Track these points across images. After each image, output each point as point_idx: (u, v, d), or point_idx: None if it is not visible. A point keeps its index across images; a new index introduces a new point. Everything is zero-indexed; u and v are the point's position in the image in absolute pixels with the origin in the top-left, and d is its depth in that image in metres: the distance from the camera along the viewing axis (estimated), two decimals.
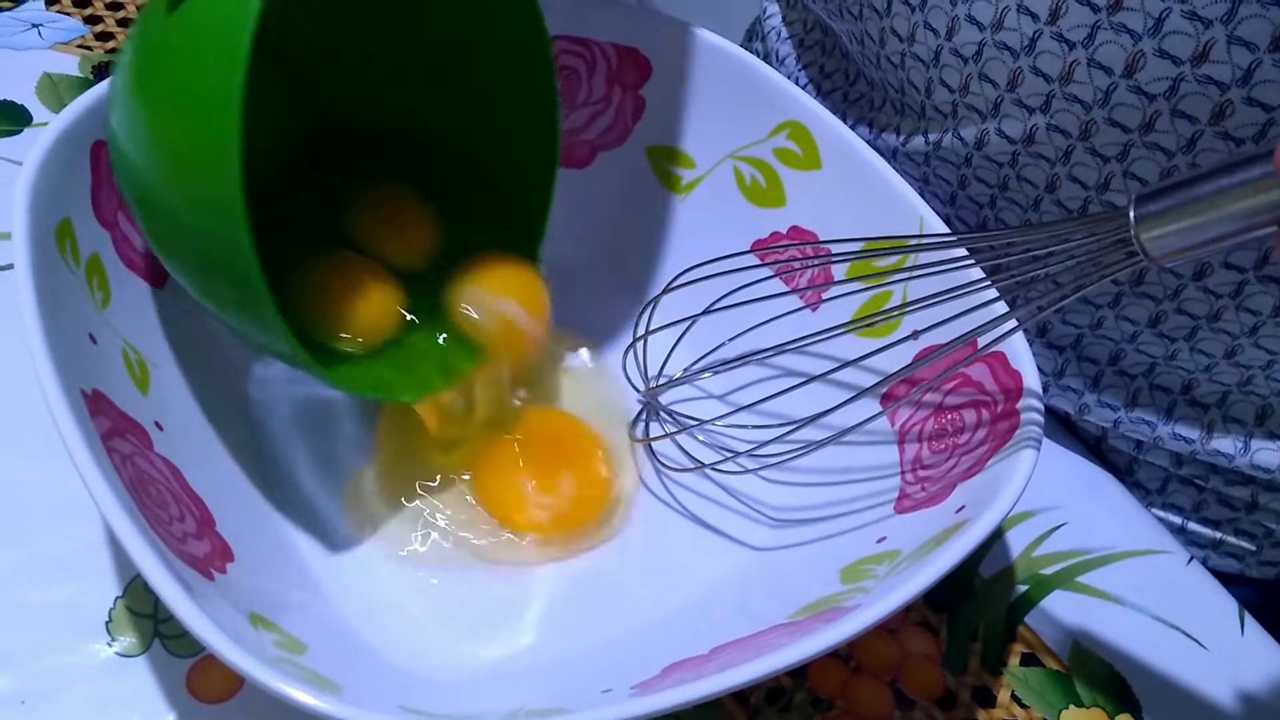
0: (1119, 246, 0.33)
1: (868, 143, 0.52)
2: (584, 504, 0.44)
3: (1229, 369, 0.47)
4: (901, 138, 0.52)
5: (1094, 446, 0.55)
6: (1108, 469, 0.54)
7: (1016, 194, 0.48)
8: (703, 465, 0.46)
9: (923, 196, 0.45)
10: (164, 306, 0.41)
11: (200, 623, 0.28)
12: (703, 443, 0.47)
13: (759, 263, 0.48)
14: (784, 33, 0.64)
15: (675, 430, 0.47)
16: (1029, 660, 0.45)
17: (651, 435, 0.47)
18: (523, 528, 0.43)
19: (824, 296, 0.47)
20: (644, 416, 0.48)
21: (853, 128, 0.55)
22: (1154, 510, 0.54)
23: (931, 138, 0.50)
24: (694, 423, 0.46)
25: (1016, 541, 0.48)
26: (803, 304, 0.48)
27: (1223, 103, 0.40)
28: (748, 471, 0.45)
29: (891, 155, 0.53)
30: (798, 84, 0.59)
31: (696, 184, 0.51)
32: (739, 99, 0.49)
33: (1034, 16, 0.43)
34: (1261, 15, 0.37)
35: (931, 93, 0.49)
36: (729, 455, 0.45)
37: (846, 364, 0.42)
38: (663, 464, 0.46)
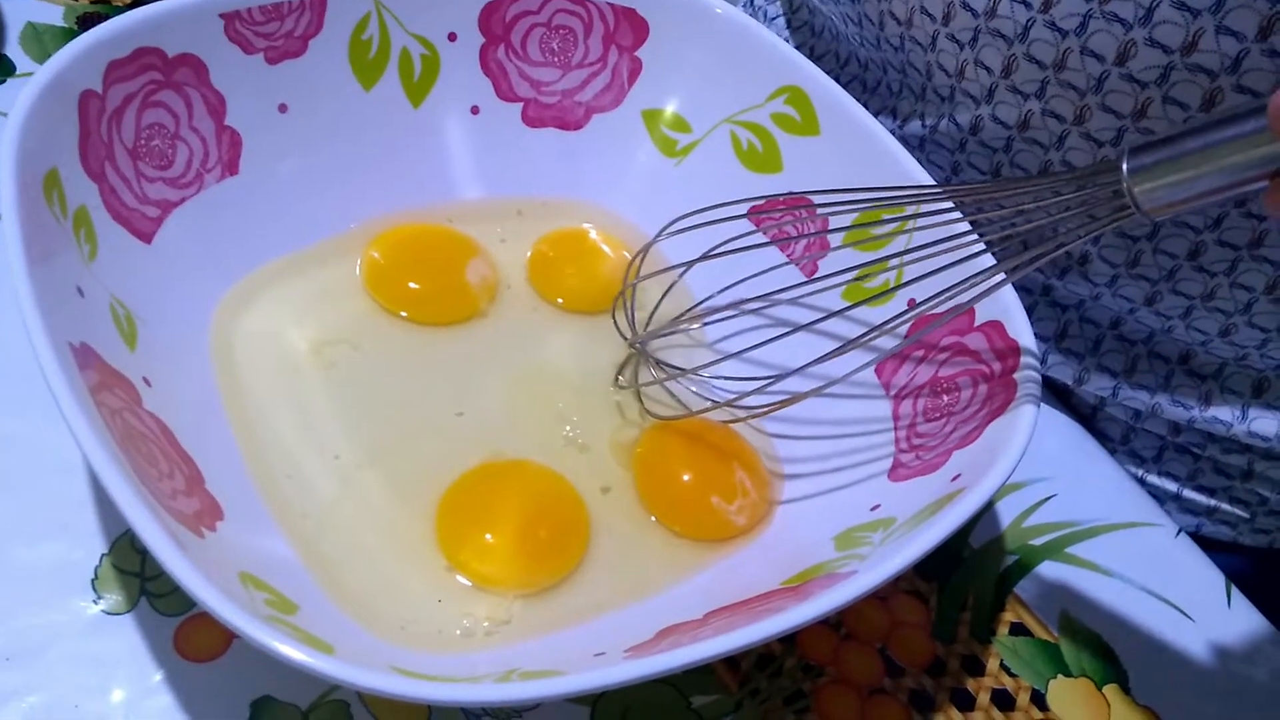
0: (1112, 199, 0.33)
1: None
2: (558, 553, 0.41)
3: (1224, 346, 0.47)
4: (897, 121, 0.52)
5: (1089, 415, 0.55)
6: (1102, 439, 0.54)
7: None
8: (690, 413, 0.45)
9: None
10: (152, 261, 0.41)
11: (194, 579, 0.28)
12: (693, 391, 0.47)
13: (752, 224, 0.48)
14: (770, 12, 0.63)
15: (664, 378, 0.46)
16: (1018, 630, 0.45)
17: (639, 383, 0.47)
18: (488, 582, 0.39)
19: (819, 263, 0.47)
20: (632, 364, 0.47)
21: None
22: (1149, 478, 0.54)
23: (928, 121, 0.50)
24: (679, 371, 0.45)
25: (1006, 512, 0.49)
26: (798, 271, 0.47)
27: (1213, 90, 0.40)
28: (736, 421, 0.45)
29: None
30: None
31: (692, 148, 0.51)
32: (738, 63, 0.48)
33: (1027, 5, 0.43)
34: (1249, 6, 0.38)
35: (931, 75, 0.49)
36: (716, 404, 0.45)
37: (834, 313, 0.42)
38: (650, 412, 0.46)
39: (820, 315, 0.43)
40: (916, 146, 0.52)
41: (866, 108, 0.54)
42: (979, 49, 0.46)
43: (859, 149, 0.46)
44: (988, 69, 0.46)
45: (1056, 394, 0.56)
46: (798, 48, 0.61)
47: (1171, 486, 0.54)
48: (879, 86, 0.54)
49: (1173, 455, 0.54)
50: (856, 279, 0.45)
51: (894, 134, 0.52)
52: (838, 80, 0.57)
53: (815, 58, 0.60)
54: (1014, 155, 0.48)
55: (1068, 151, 0.46)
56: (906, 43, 0.49)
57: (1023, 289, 0.53)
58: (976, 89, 0.47)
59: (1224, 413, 0.49)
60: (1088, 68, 0.42)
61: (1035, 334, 0.53)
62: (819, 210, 0.46)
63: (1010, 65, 0.45)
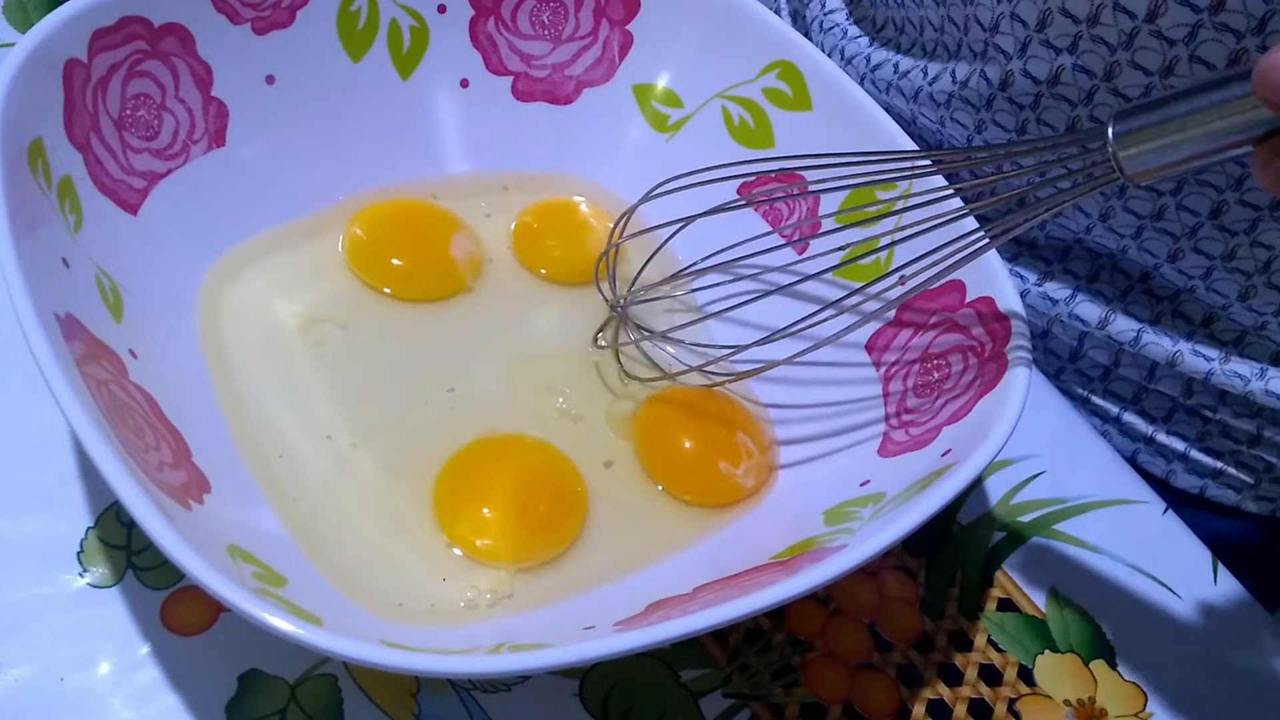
0: (1097, 164, 0.33)
1: (891, 84, 0.52)
2: (555, 528, 0.41)
3: (1244, 312, 0.48)
4: (928, 78, 0.52)
5: (1100, 376, 0.55)
6: (1112, 399, 0.54)
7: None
8: (668, 375, 0.45)
9: (940, 136, 0.44)
10: (138, 233, 0.40)
11: (182, 551, 0.28)
12: (672, 355, 0.47)
13: (737, 195, 0.48)
14: None
15: (641, 338, 0.46)
16: (1005, 605, 0.45)
17: (618, 343, 0.47)
18: (485, 556, 0.39)
19: (809, 235, 0.47)
20: (612, 326, 0.47)
21: (875, 69, 0.55)
22: (1158, 437, 0.55)
23: (959, 76, 0.50)
24: (658, 332, 0.45)
25: (995, 489, 0.49)
26: (787, 243, 0.47)
27: (1238, 50, 0.40)
28: (716, 385, 0.45)
29: (914, 97, 0.53)
30: (822, 28, 0.58)
31: (684, 123, 0.50)
32: (729, 37, 0.48)
33: None
34: None
35: (968, 30, 0.49)
36: (692, 367, 0.45)
37: (813, 276, 0.42)
38: (629, 374, 0.46)
39: (807, 282, 0.43)
40: (943, 104, 0.52)
41: (897, 69, 0.54)
42: (1016, 2, 0.46)
43: (851, 124, 0.45)
44: (1023, 22, 0.46)
45: (1048, 372, 0.56)
46: (834, 11, 0.61)
47: (1180, 446, 0.55)
48: (913, 48, 0.54)
49: (1183, 417, 0.54)
50: (847, 249, 0.44)
51: (921, 91, 0.52)
52: (872, 43, 0.57)
53: (853, 21, 0.59)
54: (1041, 112, 0.48)
55: (1096, 108, 0.46)
56: None
57: (1055, 239, 0.54)
58: (1010, 43, 0.47)
59: (1243, 368, 0.50)
60: (1119, 23, 0.43)
61: (1068, 271, 0.53)
62: (809, 183, 0.46)
63: (1045, 19, 0.45)
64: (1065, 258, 0.53)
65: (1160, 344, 0.51)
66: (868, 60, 0.57)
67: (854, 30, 0.59)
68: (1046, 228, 0.53)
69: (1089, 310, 0.53)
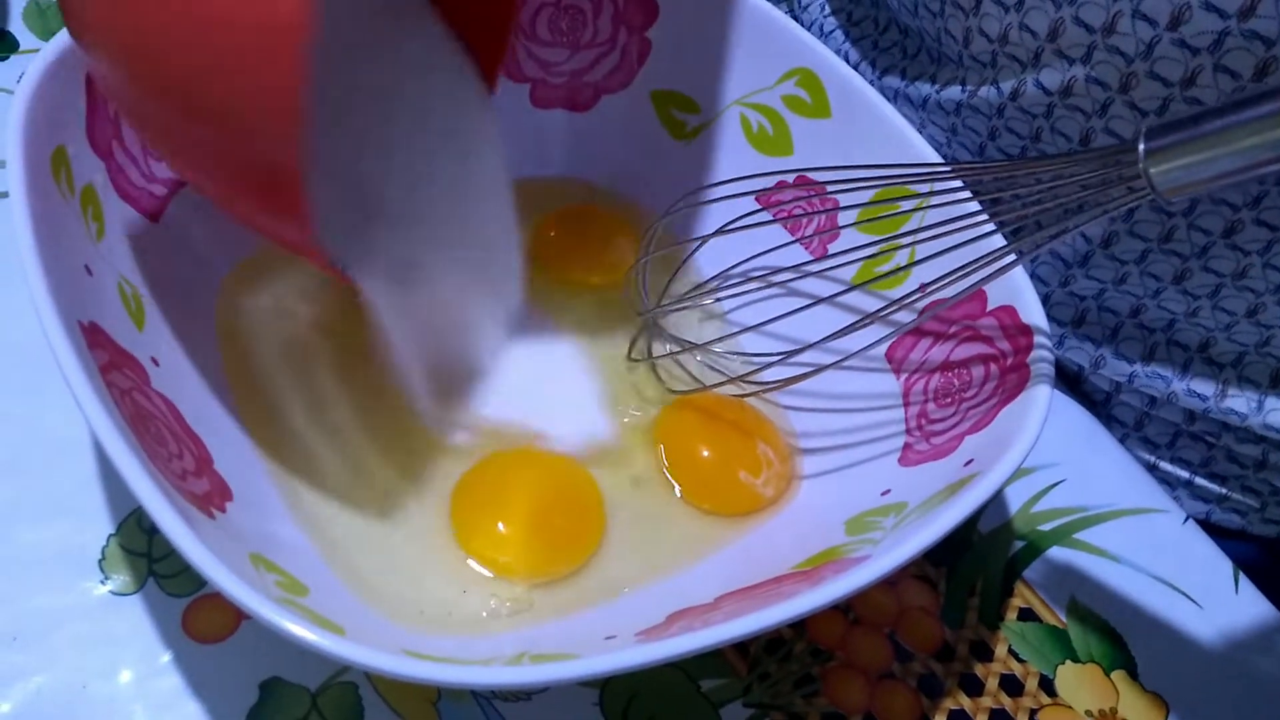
0: (1128, 180, 0.33)
1: (898, 91, 0.51)
2: (572, 543, 0.41)
3: (1249, 328, 0.47)
4: (936, 86, 0.51)
5: (1102, 402, 0.55)
6: (1115, 425, 0.54)
7: (1049, 146, 0.48)
8: (705, 386, 0.45)
9: (950, 147, 0.44)
10: (159, 240, 0.40)
11: (206, 559, 0.28)
12: (703, 363, 0.47)
13: (759, 205, 0.48)
14: None
15: (679, 351, 0.46)
16: (1026, 615, 0.45)
17: (652, 356, 0.47)
18: (502, 571, 0.39)
19: (829, 245, 0.47)
20: (644, 338, 0.47)
21: (882, 76, 0.55)
22: (1161, 464, 0.54)
23: (968, 87, 0.49)
24: (693, 344, 0.46)
25: (1015, 497, 0.48)
26: (808, 252, 0.47)
27: (1267, 58, 0.39)
28: (748, 395, 0.45)
29: (922, 104, 0.53)
30: (822, 31, 0.58)
31: (702, 130, 0.50)
32: (748, 44, 0.48)
33: None
34: None
35: (970, 42, 0.48)
36: (730, 378, 0.45)
37: (851, 288, 0.43)
38: (666, 386, 0.46)
39: (833, 293, 0.43)
40: (952, 112, 0.51)
41: (904, 74, 0.54)
42: (1025, 12, 0.45)
43: (870, 131, 0.45)
44: (1033, 33, 0.45)
45: (1067, 381, 0.55)
46: (836, 13, 0.60)
47: (1184, 473, 0.54)
48: (919, 54, 0.53)
49: (1186, 442, 0.53)
50: (869, 258, 0.44)
51: (929, 99, 0.51)
52: (875, 47, 0.57)
53: (854, 23, 0.59)
54: (1054, 122, 0.47)
55: (1110, 120, 0.45)
56: (946, 7, 0.48)
57: (1039, 280, 0.53)
58: (1022, 53, 0.46)
59: (1239, 404, 0.49)
60: (1138, 32, 0.42)
61: (1051, 318, 0.52)
62: (829, 190, 0.46)
63: (1057, 28, 0.44)
64: (1046, 304, 0.53)
65: (1154, 385, 0.51)
66: (873, 66, 0.56)
67: (855, 33, 0.58)
68: (1033, 269, 0.52)
69: (1079, 354, 0.53)
